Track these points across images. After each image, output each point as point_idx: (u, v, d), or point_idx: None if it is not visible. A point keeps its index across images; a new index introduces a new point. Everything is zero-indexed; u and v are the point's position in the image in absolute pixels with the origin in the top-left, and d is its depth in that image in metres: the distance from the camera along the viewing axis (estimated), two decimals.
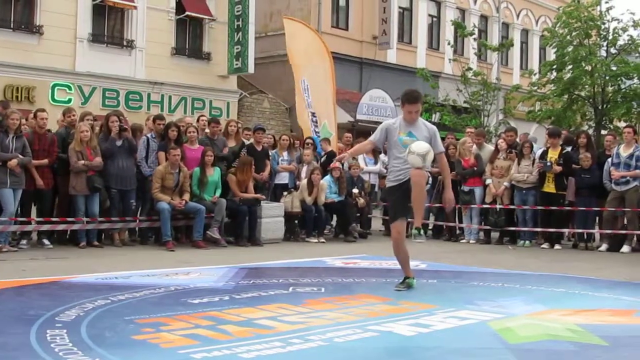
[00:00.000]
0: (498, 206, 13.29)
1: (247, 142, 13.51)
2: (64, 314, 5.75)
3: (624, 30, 25.42)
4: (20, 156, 10.49)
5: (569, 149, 13.37)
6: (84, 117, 11.92)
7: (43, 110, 11.55)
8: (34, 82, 21.16)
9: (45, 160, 11.04)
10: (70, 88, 21.96)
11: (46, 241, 11.19)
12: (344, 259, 10.41)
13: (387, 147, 7.59)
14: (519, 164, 13.20)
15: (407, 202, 7.28)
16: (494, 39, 31.95)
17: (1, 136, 10.47)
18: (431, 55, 32.09)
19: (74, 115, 12.05)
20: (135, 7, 23.25)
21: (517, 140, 14.25)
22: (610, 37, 25.71)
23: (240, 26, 25.18)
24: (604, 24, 25.78)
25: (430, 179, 14.29)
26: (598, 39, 25.95)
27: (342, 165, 14.22)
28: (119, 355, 4.52)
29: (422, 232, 7.24)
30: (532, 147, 13.53)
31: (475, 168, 13.59)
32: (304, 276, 8.44)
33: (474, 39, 28.29)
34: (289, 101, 25.79)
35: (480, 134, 14.92)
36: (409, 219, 7.51)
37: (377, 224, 15.70)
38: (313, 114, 16.68)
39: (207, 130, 13.30)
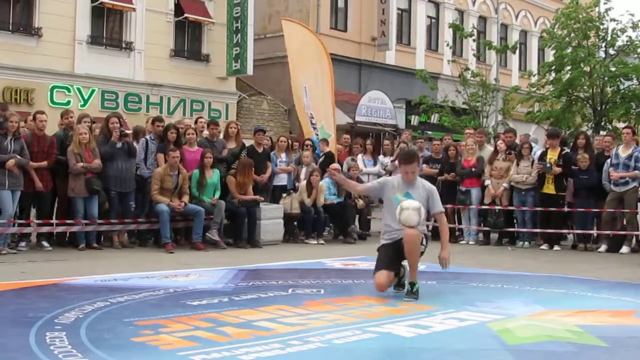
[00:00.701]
0: (497, 207, 13.29)
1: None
2: (63, 316, 5.74)
3: (623, 31, 25.45)
4: (18, 157, 10.48)
5: (567, 150, 13.38)
6: (81, 119, 11.91)
7: (42, 113, 11.52)
8: (32, 84, 21.18)
9: (45, 163, 11.03)
10: (69, 90, 21.97)
11: (45, 243, 11.18)
12: (343, 261, 10.42)
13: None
14: (518, 165, 13.19)
15: (398, 259, 7.16)
16: (493, 40, 31.94)
17: (0, 138, 10.47)
18: (430, 57, 32.14)
19: (72, 117, 12.04)
20: (134, 9, 23.28)
21: (516, 141, 14.26)
22: (609, 38, 25.73)
23: (239, 28, 25.21)
24: (602, 25, 25.80)
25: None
26: (597, 40, 25.98)
27: (341, 166, 14.26)
28: (118, 357, 4.52)
29: (416, 288, 6.96)
30: (531, 148, 13.52)
31: (474, 169, 13.60)
32: (303, 278, 8.44)
33: (473, 40, 28.31)
34: (288, 103, 25.80)
35: (482, 132, 15.01)
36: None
37: (376, 225, 15.68)
38: (312, 116, 16.67)
39: (206, 132, 13.29)
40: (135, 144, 12.12)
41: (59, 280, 7.84)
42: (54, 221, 11.28)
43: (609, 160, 12.53)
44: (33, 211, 11.51)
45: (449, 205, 13.19)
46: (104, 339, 5.03)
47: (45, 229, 11.18)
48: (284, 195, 13.60)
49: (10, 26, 21.17)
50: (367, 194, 7.63)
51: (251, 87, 27.65)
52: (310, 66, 16.81)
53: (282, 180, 14.01)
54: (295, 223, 13.67)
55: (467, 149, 13.86)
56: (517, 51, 30.89)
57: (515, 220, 13.58)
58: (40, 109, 12.94)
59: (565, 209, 12.93)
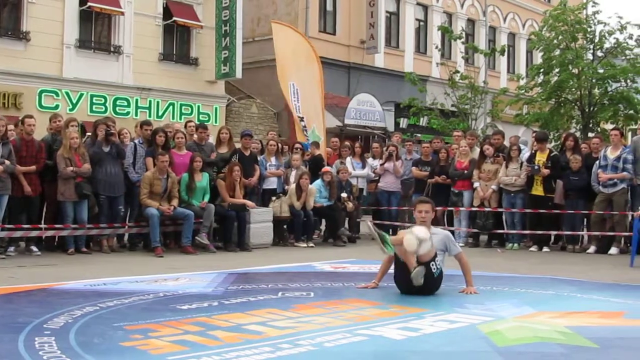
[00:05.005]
0: (486, 209, 13.31)
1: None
2: (52, 321, 5.72)
3: (611, 33, 25.52)
4: (7, 162, 10.43)
5: (555, 152, 13.43)
6: (68, 123, 11.78)
7: (30, 117, 11.46)
8: (20, 89, 21.07)
9: (33, 167, 10.98)
10: (57, 94, 21.89)
11: (34, 248, 11.15)
12: (333, 264, 10.41)
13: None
14: (506, 167, 13.22)
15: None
16: (481, 42, 32.04)
17: None
18: (419, 59, 32.16)
19: (59, 121, 11.95)
20: (123, 13, 23.21)
21: (505, 143, 14.30)
22: (597, 41, 25.81)
23: (228, 31, 25.16)
24: (590, 27, 25.88)
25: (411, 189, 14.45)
26: (585, 43, 26.05)
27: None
28: None
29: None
30: (519, 150, 13.56)
31: (466, 171, 13.62)
32: (293, 281, 8.44)
33: (462, 43, 28.35)
34: (277, 106, 25.84)
35: (472, 135, 15.08)
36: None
37: (366, 228, 15.69)
38: (301, 119, 16.69)
39: (195, 136, 13.28)
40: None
41: (48, 285, 7.81)
42: (42, 226, 11.22)
43: (597, 162, 12.57)
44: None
45: (439, 208, 13.21)
46: (93, 343, 5.01)
47: (34, 234, 11.14)
48: (274, 198, 13.59)
49: None
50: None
51: (240, 90, 27.62)
52: (300, 69, 16.85)
53: (271, 183, 13.99)
54: (285, 226, 13.67)
55: (460, 151, 13.88)
56: (506, 53, 30.96)
57: (504, 222, 13.60)
58: (28, 113, 12.87)
59: (555, 211, 12.95)
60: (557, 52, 25.59)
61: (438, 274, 7.41)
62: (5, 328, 5.45)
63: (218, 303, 6.75)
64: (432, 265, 7.33)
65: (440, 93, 26.38)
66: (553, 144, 20.94)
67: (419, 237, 7.11)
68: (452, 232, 13.76)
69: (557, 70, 25.44)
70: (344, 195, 13.93)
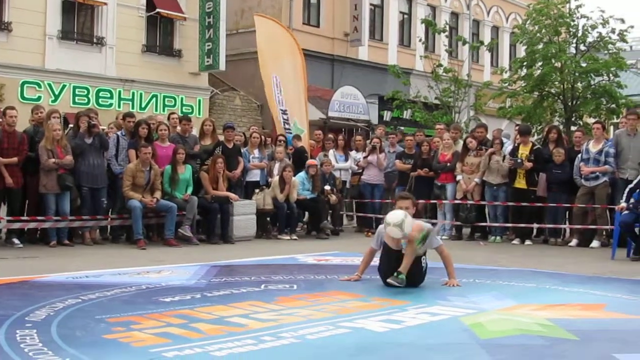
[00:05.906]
0: (469, 202, 13.35)
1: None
2: (34, 313, 5.70)
3: (593, 27, 25.66)
4: None
5: (538, 145, 13.48)
6: (50, 114, 11.70)
7: (12, 108, 11.39)
8: (2, 80, 20.89)
9: (15, 159, 10.92)
10: (39, 86, 21.75)
11: (16, 240, 11.08)
12: (316, 256, 10.42)
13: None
14: (489, 160, 13.26)
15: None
16: (465, 36, 32.04)
17: None
18: (402, 52, 32.18)
19: (41, 113, 11.87)
20: (105, 4, 23.06)
21: (488, 136, 14.34)
22: (580, 35, 25.94)
23: (212, 23, 25.09)
24: (573, 21, 26.00)
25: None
26: (568, 36, 26.18)
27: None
28: (89, 354, 4.48)
29: (402, 277, 7.20)
30: (502, 143, 13.61)
31: (449, 163, 13.65)
32: (276, 273, 8.44)
33: (446, 36, 28.42)
34: (260, 98, 25.72)
35: (456, 128, 15.14)
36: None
37: (348, 221, 15.72)
38: (284, 111, 16.67)
39: (178, 128, 13.24)
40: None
41: (29, 278, 7.78)
42: (24, 218, 11.17)
43: (579, 155, 12.63)
44: (4, 207, 11.39)
45: (422, 200, 13.22)
46: (75, 336, 4.99)
47: (16, 226, 11.08)
48: (257, 191, 13.58)
49: None
50: (377, 248, 7.74)
51: (223, 82, 27.55)
52: (283, 62, 16.81)
53: (254, 176, 13.97)
54: (268, 219, 13.67)
55: (443, 143, 13.91)
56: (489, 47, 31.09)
57: (487, 215, 13.65)
58: (10, 105, 12.78)
59: (537, 204, 13.00)
60: (541, 45, 25.70)
61: (425, 269, 7.47)
62: None
63: (201, 295, 6.75)
64: (423, 259, 7.46)
65: (423, 86, 26.42)
66: (536, 137, 21.05)
67: (395, 222, 7.24)
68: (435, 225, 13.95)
69: (540, 63, 25.57)
70: (327, 187, 13.94)
